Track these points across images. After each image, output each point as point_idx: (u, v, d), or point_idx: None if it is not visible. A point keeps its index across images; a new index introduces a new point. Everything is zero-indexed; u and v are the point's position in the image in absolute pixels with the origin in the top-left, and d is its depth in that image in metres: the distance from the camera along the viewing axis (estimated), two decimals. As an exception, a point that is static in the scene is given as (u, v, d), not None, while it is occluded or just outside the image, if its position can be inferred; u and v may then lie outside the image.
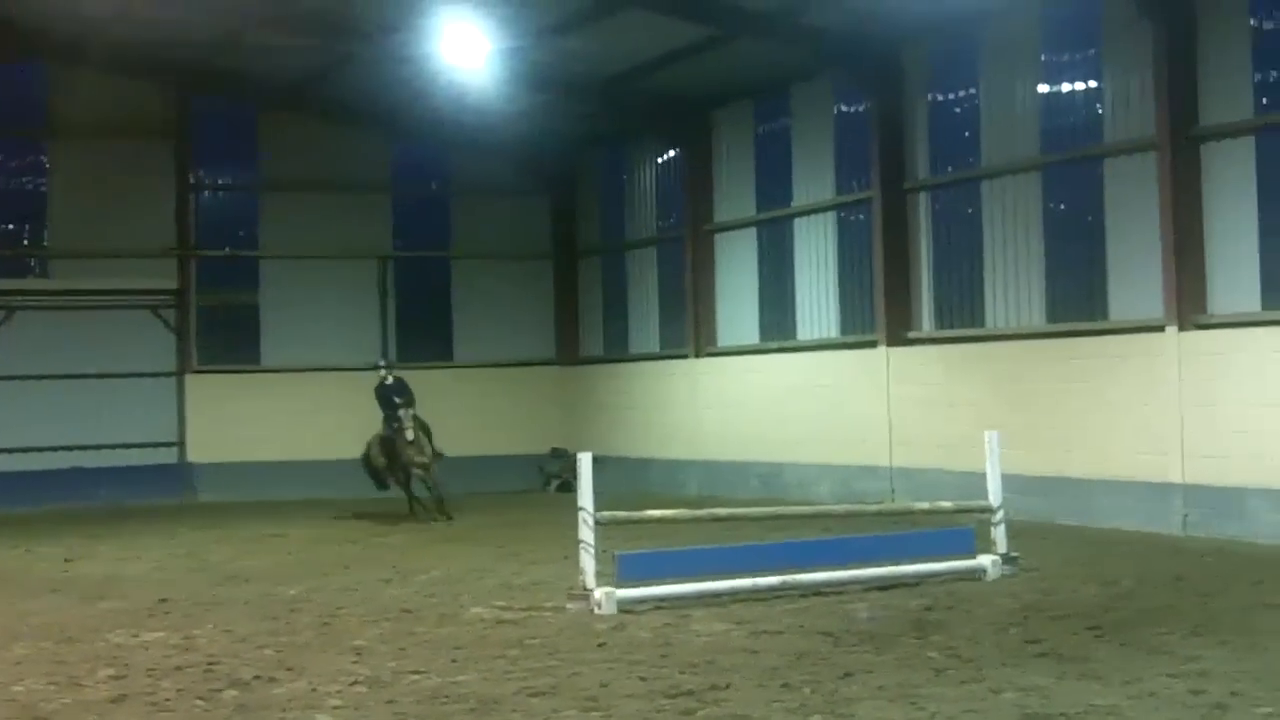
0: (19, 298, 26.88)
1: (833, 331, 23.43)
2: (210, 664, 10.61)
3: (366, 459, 23.00)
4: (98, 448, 26.67)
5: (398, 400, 22.13)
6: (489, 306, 29.58)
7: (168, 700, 9.46)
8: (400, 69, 24.19)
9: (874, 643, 10.75)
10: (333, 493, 25.13)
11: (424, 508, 22.27)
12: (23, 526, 22.27)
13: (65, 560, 17.77)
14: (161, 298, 27.62)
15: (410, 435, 21.80)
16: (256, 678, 10.06)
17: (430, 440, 22.22)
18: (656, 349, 27.64)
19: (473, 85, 23.44)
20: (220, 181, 29.02)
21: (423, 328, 29.45)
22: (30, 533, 21.23)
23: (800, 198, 24.09)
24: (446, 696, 9.31)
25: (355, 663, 10.55)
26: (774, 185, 24.72)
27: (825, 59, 22.33)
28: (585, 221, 29.94)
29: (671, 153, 27.14)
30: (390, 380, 22.70)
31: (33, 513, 24.38)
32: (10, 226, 27.61)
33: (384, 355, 25.07)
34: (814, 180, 23.73)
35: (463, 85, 23.58)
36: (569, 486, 25.53)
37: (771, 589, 12.95)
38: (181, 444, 27.53)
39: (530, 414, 29.03)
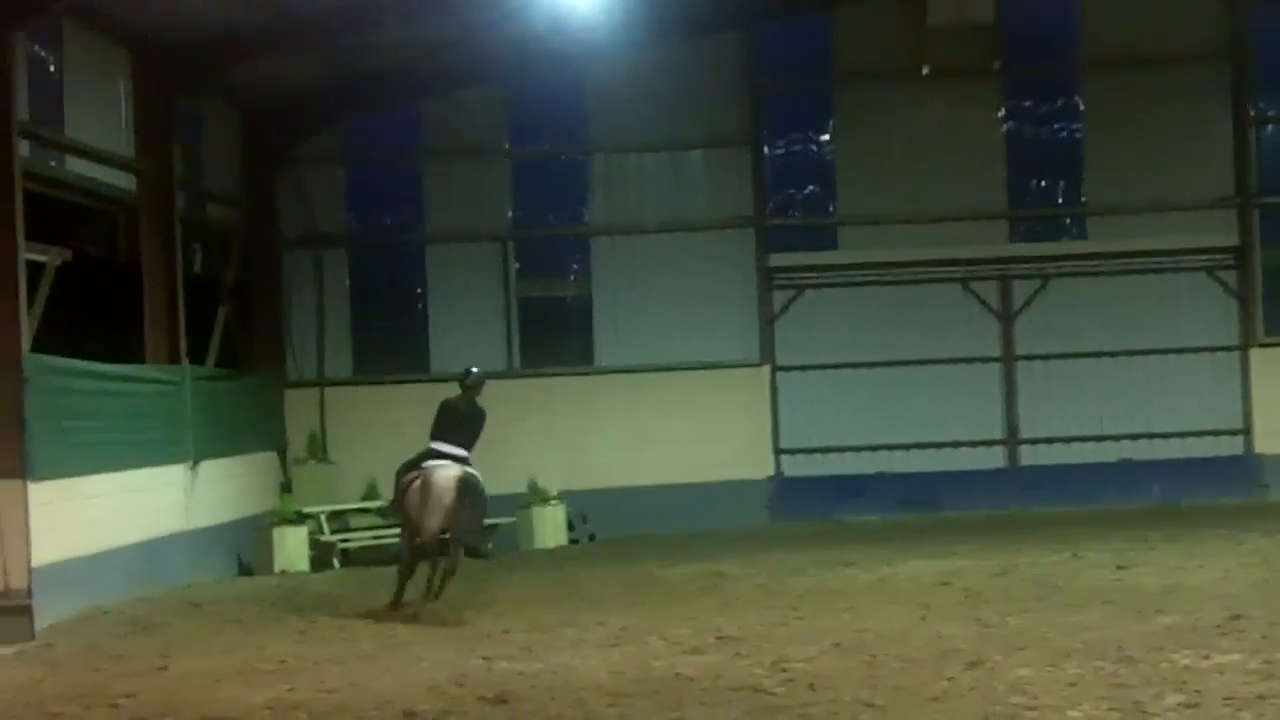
0: (1054, 264, 28.03)
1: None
2: (1304, 696, 10.58)
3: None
4: (1148, 436, 27.36)
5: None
6: None
7: (1249, 736, 9.57)
8: None
9: None
10: None
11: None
12: (1066, 527, 23.32)
13: (1117, 567, 18.35)
14: (1218, 256, 27.76)
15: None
16: (1360, 716, 9.91)
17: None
18: None
19: None
20: (1288, 113, 28.59)
21: None
22: (1075, 534, 22.15)
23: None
24: None
25: None
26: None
27: None
28: None
29: None
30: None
31: (1076, 511, 25.47)
32: (1043, 183, 28.65)
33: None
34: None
35: None
36: None
37: None
38: (1247, 431, 27.51)
39: None
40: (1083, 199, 28.36)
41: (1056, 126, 28.40)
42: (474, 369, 18.36)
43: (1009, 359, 27.90)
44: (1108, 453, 27.34)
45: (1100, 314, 27.70)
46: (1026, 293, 27.94)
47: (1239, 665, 11.81)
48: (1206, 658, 12.17)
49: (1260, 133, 28.09)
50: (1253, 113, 27.93)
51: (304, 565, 23.73)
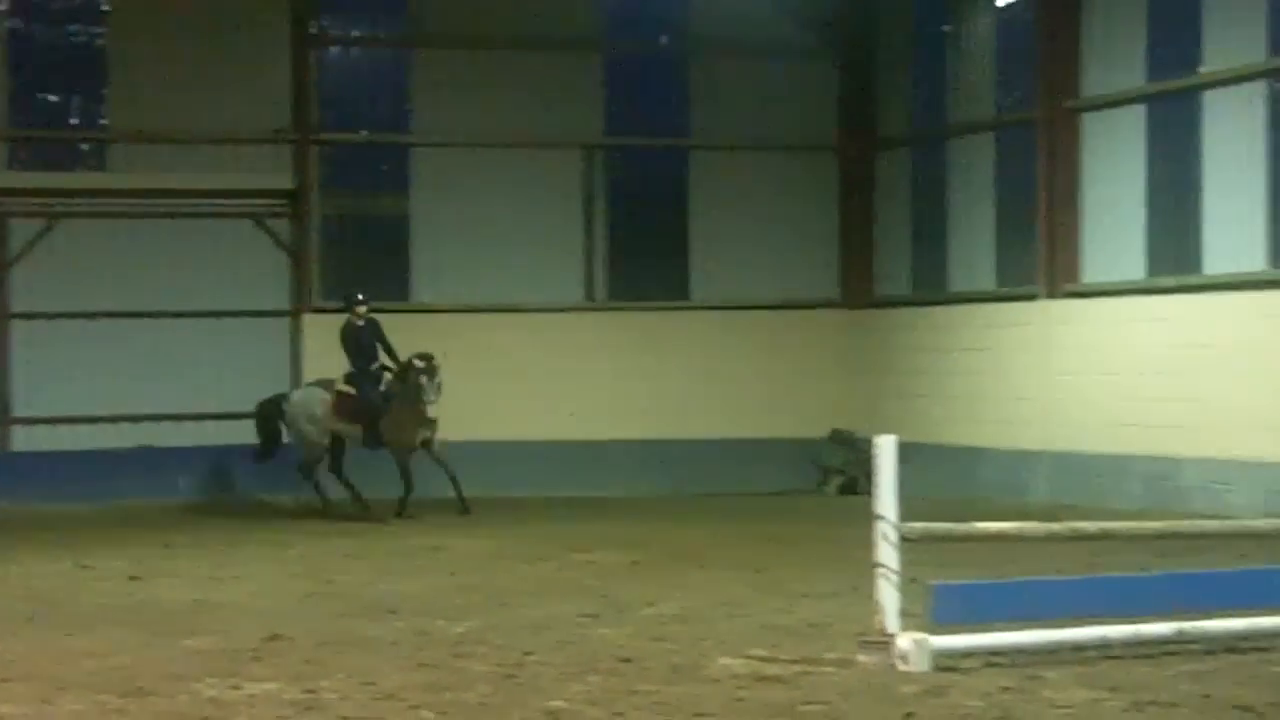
0: (64, 201, 27.82)
1: (1260, 263, 23.04)
2: (344, 729, 10.97)
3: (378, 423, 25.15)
4: (176, 418, 27.65)
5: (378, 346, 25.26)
6: (745, 221, 29.69)
7: (283, 781, 9.84)
8: None
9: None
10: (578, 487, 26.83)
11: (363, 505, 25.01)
12: (71, 530, 23.12)
13: (131, 578, 18.36)
14: (269, 202, 28.36)
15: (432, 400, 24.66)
16: (411, 750, 10.38)
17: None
18: (991, 285, 27.58)
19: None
20: (355, 33, 29.49)
21: (646, 250, 29.70)
22: (82, 539, 22.01)
23: (1213, 62, 23.74)
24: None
25: (553, 731, 10.80)
26: (1173, 45, 24.39)
27: None
28: (889, 97, 29.92)
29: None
30: (363, 322, 25.38)
31: (84, 510, 25.36)
32: (53, 98, 28.36)
33: (361, 291, 25.69)
34: (1234, 39, 23.37)
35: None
36: (857, 486, 25.73)
37: (1161, 640, 12.82)
38: (296, 416, 28.27)
39: (801, 380, 29.14)
40: (103, 121, 28.28)
41: (71, 28, 28.18)
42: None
43: (2, 317, 27.48)
44: (126, 437, 27.38)
45: (123, 266, 27.67)
46: (28, 235, 27.59)
47: (275, 695, 11.94)
48: (237, 688, 12.23)
49: (323, 57, 28.90)
50: (314, 31, 28.59)
51: None
